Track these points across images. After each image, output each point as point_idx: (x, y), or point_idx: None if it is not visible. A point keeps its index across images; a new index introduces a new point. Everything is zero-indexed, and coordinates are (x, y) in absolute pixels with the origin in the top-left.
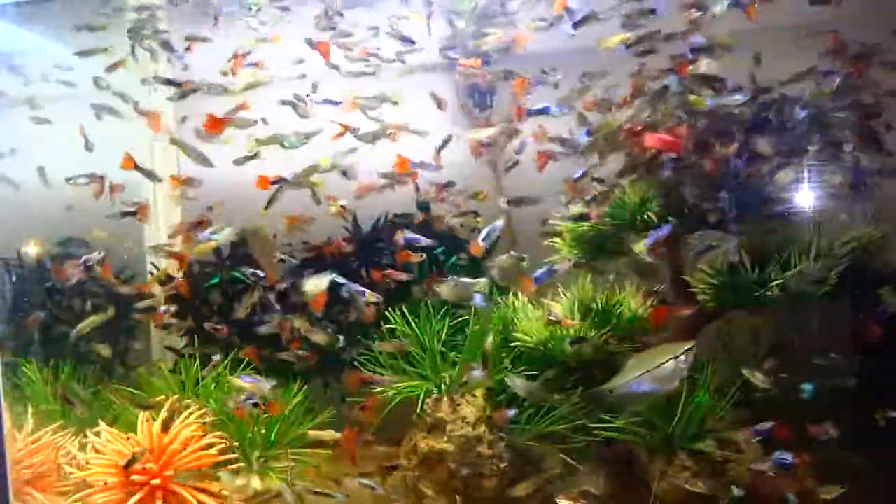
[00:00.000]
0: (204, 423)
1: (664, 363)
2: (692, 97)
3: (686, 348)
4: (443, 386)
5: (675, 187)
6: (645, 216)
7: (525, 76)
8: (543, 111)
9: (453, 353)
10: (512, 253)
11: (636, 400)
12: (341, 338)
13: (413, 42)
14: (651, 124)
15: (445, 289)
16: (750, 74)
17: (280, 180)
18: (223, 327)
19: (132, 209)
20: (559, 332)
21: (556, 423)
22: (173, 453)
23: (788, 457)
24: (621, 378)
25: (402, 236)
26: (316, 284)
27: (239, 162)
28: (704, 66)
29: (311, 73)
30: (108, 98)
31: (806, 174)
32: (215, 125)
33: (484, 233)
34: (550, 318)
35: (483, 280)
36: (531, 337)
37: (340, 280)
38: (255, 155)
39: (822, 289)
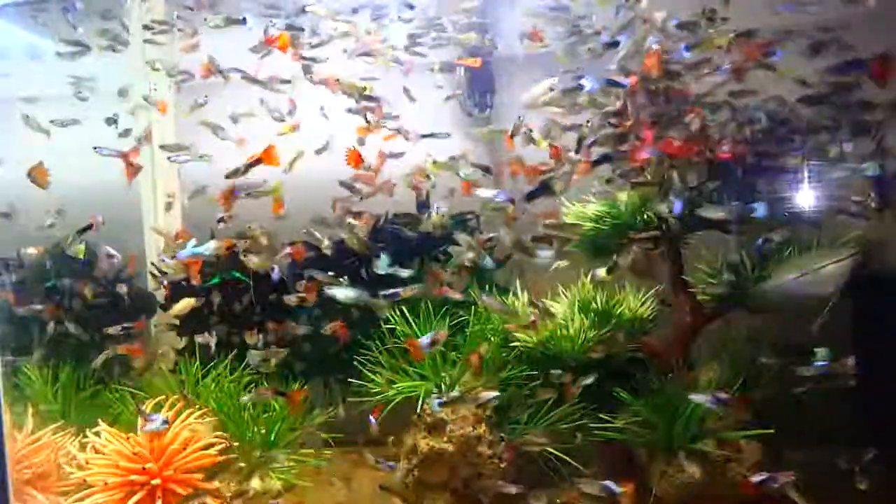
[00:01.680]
0: (204, 423)
1: (825, 266)
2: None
3: (849, 253)
4: (443, 386)
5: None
6: (645, 216)
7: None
8: (619, 85)
9: (453, 353)
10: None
11: (790, 301)
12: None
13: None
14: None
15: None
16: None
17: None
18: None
19: (87, 225)
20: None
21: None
22: (173, 453)
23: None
24: (779, 278)
25: None
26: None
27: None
28: None
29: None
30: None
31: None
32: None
33: None
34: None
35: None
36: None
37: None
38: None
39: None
